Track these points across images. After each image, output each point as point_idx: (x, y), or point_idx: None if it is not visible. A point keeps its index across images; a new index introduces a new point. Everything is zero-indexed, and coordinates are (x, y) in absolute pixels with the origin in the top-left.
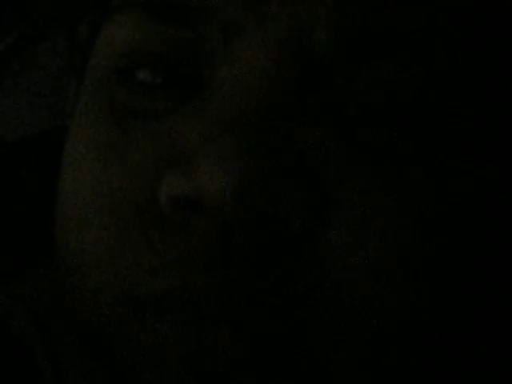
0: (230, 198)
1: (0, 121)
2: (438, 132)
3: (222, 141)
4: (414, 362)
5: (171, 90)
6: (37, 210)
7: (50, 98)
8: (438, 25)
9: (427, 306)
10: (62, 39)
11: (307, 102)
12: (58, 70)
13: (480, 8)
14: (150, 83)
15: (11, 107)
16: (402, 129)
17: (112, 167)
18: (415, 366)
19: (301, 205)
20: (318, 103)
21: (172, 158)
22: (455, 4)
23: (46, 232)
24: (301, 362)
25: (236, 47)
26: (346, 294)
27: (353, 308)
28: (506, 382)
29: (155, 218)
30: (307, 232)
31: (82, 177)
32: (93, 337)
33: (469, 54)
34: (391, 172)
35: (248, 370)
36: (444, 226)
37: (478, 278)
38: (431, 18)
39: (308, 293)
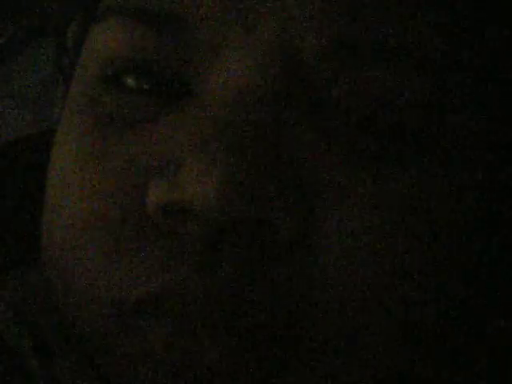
0: (216, 204)
1: None
2: (427, 137)
3: (208, 147)
4: (406, 367)
5: (157, 97)
6: (22, 213)
7: (38, 102)
8: (425, 28)
9: (418, 313)
10: (50, 44)
11: (294, 108)
12: (45, 75)
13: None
14: (136, 90)
15: None
16: (389, 134)
17: (99, 174)
18: (407, 370)
19: (288, 211)
20: (304, 109)
21: (158, 164)
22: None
23: (30, 235)
24: (289, 368)
25: (223, 55)
26: (334, 300)
27: (342, 315)
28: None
29: (143, 224)
30: (295, 238)
31: (69, 184)
32: (80, 343)
33: (455, 59)
34: (380, 178)
35: (236, 375)
36: (434, 232)
37: (467, 284)
38: (418, 22)
39: (296, 298)
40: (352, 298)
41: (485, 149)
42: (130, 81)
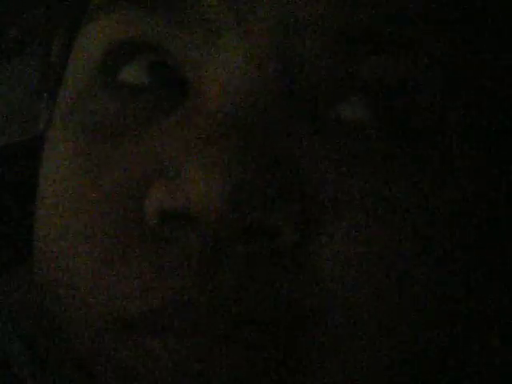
0: (219, 211)
1: None
2: (427, 138)
3: (209, 151)
4: (408, 373)
5: (155, 96)
6: (10, 221)
7: (23, 112)
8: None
9: (421, 319)
10: (35, 53)
11: (293, 108)
12: (30, 84)
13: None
14: (133, 86)
15: None
16: (391, 139)
17: (94, 183)
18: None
19: (292, 216)
20: (304, 109)
21: (158, 169)
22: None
23: (21, 242)
24: (295, 376)
25: (218, 51)
26: (337, 306)
27: (345, 321)
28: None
29: (140, 232)
30: (298, 243)
31: (63, 194)
32: (77, 358)
33: (457, 57)
34: (381, 184)
35: (249, 383)
36: (436, 237)
37: (469, 288)
38: (417, 15)
39: (299, 304)
40: (354, 304)
41: (487, 150)
42: (129, 71)
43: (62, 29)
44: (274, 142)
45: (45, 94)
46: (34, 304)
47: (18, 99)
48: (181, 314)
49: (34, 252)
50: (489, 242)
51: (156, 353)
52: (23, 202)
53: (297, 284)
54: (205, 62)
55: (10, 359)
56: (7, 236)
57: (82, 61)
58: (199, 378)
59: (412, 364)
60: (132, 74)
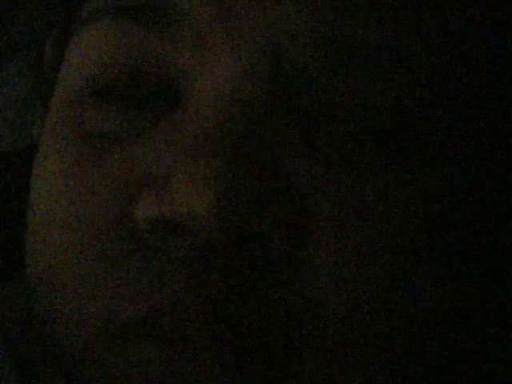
0: (209, 220)
1: None
2: (418, 151)
3: (197, 161)
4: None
5: (143, 110)
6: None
7: (15, 122)
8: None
9: (412, 325)
10: (26, 61)
11: (283, 115)
12: (22, 93)
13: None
14: (122, 99)
15: None
16: (381, 144)
17: (85, 190)
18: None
19: (280, 223)
20: (294, 116)
21: (147, 178)
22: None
23: (13, 251)
24: (288, 379)
25: (208, 60)
26: (327, 313)
27: (335, 328)
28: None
29: (130, 240)
30: (287, 250)
31: (54, 203)
32: (68, 363)
33: (439, 64)
34: (370, 192)
35: None
36: (425, 244)
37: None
38: (406, 23)
39: (289, 311)
40: (343, 311)
41: (469, 155)
42: (118, 87)
43: (53, 36)
44: (263, 151)
45: (37, 103)
46: (23, 317)
47: (11, 107)
48: (171, 321)
49: (26, 261)
50: (480, 248)
51: (147, 359)
52: (15, 211)
53: (287, 290)
54: (194, 73)
55: None
56: None
57: (72, 72)
58: (191, 383)
59: (406, 371)
60: (120, 87)
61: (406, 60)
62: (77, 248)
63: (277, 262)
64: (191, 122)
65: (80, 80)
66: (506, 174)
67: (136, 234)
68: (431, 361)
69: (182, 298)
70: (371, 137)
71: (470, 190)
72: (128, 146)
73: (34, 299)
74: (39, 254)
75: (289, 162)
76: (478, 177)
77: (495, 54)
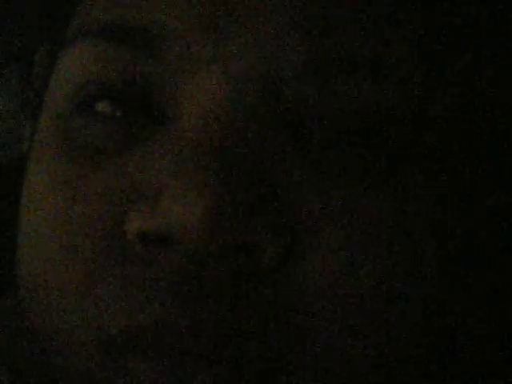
0: (200, 233)
1: None
2: (406, 153)
3: (188, 173)
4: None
5: (131, 124)
6: None
7: (5, 136)
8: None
9: (403, 334)
10: (15, 76)
11: (274, 129)
12: (12, 107)
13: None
14: (110, 116)
15: None
16: (371, 152)
17: (75, 205)
18: None
19: (272, 234)
20: (284, 130)
21: (137, 191)
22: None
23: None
24: None
25: (196, 76)
26: (319, 324)
27: (327, 340)
28: None
29: (121, 254)
30: (279, 261)
31: (44, 215)
32: (58, 376)
33: (432, 74)
34: (361, 199)
35: None
36: (418, 251)
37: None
38: (395, 36)
39: (280, 324)
40: (335, 321)
41: (466, 163)
42: (104, 106)
43: (43, 51)
44: (253, 163)
45: (27, 116)
46: (16, 333)
47: (0, 121)
48: (163, 335)
49: (16, 273)
50: (473, 255)
51: (139, 374)
52: (5, 224)
53: (280, 301)
54: (182, 88)
55: None
56: None
57: (60, 88)
58: None
59: (400, 378)
60: (106, 107)
61: (393, 68)
62: (66, 261)
63: (268, 273)
64: (179, 139)
65: (67, 95)
66: (501, 181)
67: (127, 247)
68: (423, 367)
69: (172, 312)
70: (362, 145)
71: (461, 197)
72: (117, 159)
73: (24, 312)
74: (29, 267)
75: (280, 173)
76: (468, 188)
77: (483, 57)
